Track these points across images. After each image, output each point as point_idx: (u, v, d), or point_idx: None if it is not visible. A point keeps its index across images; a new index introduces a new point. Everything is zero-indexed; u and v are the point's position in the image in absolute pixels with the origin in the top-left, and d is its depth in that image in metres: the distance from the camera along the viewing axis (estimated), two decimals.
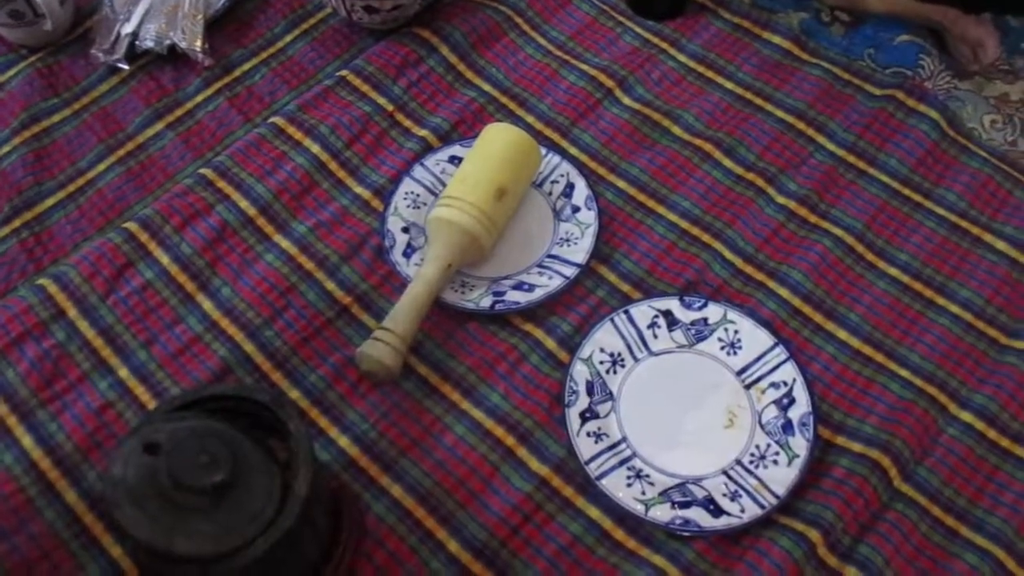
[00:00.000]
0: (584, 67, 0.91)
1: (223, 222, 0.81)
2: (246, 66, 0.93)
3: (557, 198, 0.81)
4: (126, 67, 0.91)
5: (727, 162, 0.85)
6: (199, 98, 0.90)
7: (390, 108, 0.88)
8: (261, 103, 0.90)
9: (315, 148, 0.85)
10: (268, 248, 0.80)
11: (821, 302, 0.76)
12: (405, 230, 0.79)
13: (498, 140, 0.78)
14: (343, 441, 0.70)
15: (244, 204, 0.82)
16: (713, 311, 0.74)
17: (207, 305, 0.76)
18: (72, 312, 0.76)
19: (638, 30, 0.94)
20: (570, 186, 0.82)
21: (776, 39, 0.93)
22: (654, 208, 0.82)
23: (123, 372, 0.73)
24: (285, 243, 0.80)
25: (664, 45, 0.93)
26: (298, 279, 0.78)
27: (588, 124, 0.87)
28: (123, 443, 0.51)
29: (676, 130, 0.87)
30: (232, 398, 0.56)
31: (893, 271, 0.78)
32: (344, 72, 0.90)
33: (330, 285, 0.77)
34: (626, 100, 0.89)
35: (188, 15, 0.91)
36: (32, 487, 0.67)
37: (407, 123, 0.87)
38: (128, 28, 0.90)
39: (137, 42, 0.90)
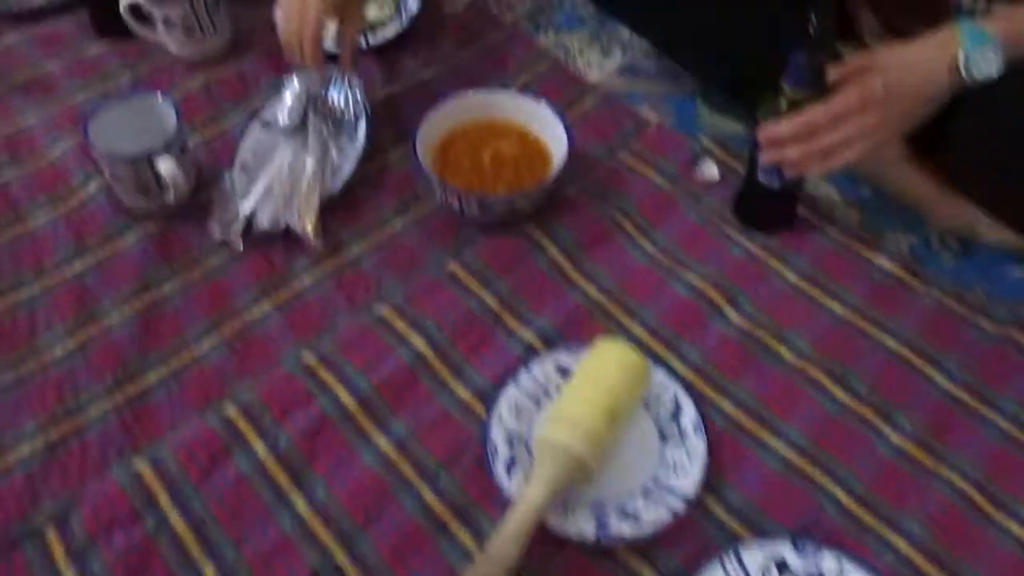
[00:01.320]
0: (691, 277, 0.91)
1: (323, 414, 0.80)
2: (355, 249, 0.94)
3: (664, 419, 0.79)
4: (241, 248, 0.92)
5: (838, 392, 0.82)
6: (308, 280, 0.91)
7: (496, 306, 0.88)
8: (368, 289, 0.91)
9: (419, 343, 0.85)
10: (366, 446, 0.78)
11: (943, 560, 0.72)
12: (508, 442, 0.77)
13: (611, 359, 0.77)
14: None
15: (345, 397, 0.81)
16: (828, 562, 0.70)
17: (300, 504, 0.74)
18: (164, 499, 0.74)
19: (745, 243, 0.94)
20: (678, 407, 0.80)
21: (885, 262, 0.92)
22: (764, 438, 0.79)
23: (209, 572, 0.71)
24: (383, 442, 0.78)
25: (772, 260, 0.93)
26: (396, 484, 0.76)
27: (695, 339, 0.86)
28: None
29: (785, 353, 0.85)
30: None
31: (1016, 529, 0.74)
32: (453, 267, 0.91)
33: (428, 496, 0.75)
34: (734, 316, 0.88)
35: (304, 198, 0.93)
36: None
37: (512, 323, 0.87)
38: (246, 208, 0.92)
39: (253, 222, 0.92)
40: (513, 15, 1.23)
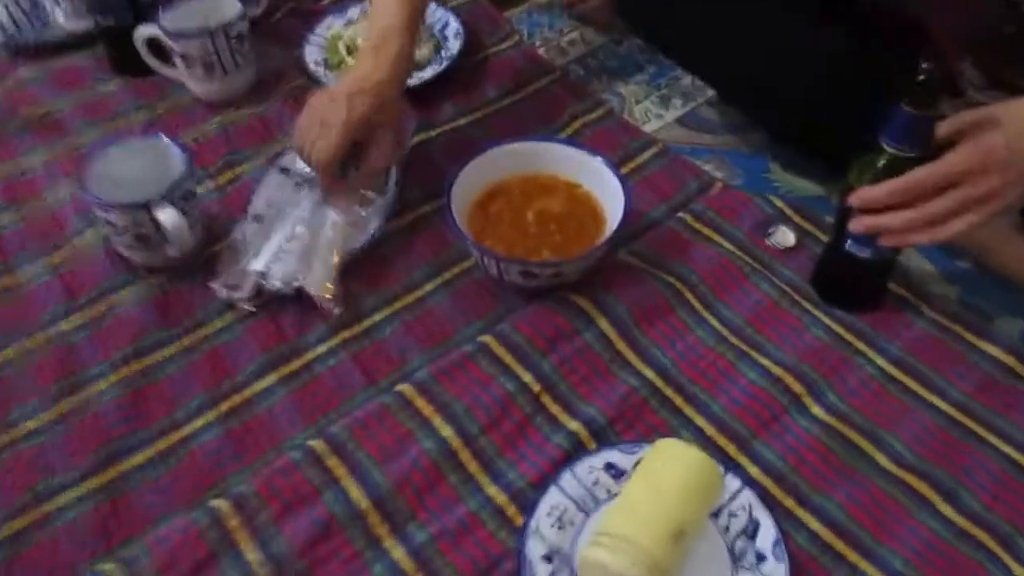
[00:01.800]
0: (765, 362, 0.78)
1: (329, 515, 0.67)
2: (377, 316, 0.82)
3: (736, 536, 0.66)
4: (249, 310, 0.81)
5: (947, 510, 0.68)
6: (321, 349, 0.80)
7: (536, 388, 0.76)
8: (389, 362, 0.79)
9: (446, 430, 0.72)
10: (378, 556, 0.66)
11: None
12: (547, 558, 0.64)
13: (676, 464, 0.64)
14: None
15: (356, 494, 0.69)
16: None
17: None
18: None
19: (827, 321, 0.81)
20: (753, 523, 0.66)
21: (993, 351, 0.78)
22: (857, 563, 0.65)
23: None
24: (399, 552, 0.66)
25: (859, 344, 0.79)
26: None
27: (772, 437, 0.73)
28: None
29: (880, 458, 0.71)
30: None
31: None
32: (487, 338, 0.79)
33: None
34: (817, 410, 0.74)
35: (322, 256, 0.82)
36: None
37: (555, 409, 0.74)
38: (257, 265, 0.82)
39: (264, 281, 0.81)
40: (564, 59, 1.12)
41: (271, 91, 1.06)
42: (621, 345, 0.79)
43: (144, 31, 0.99)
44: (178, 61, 1.01)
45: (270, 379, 0.78)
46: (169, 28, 0.98)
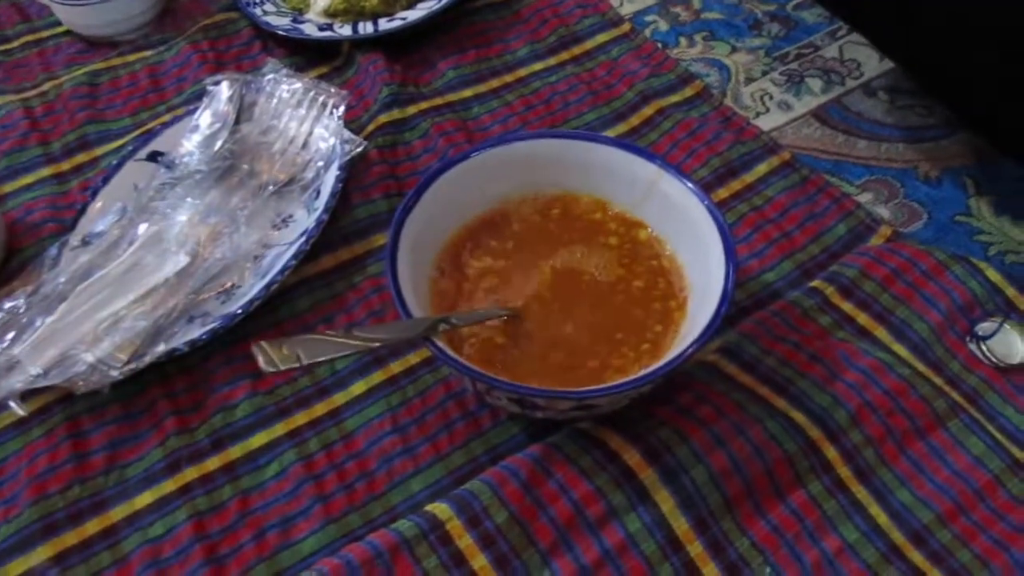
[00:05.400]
0: None
1: None
2: (254, 441, 0.46)
3: None
4: (22, 412, 0.45)
5: None
6: (145, 499, 0.44)
7: None
8: (259, 543, 0.42)
9: None
10: None
11: None
12: None
13: None
14: None
15: None
16: None
17: None
18: None
19: None
20: None
21: None
22: None
23: None
24: None
25: None
26: None
27: None
28: None
29: None
30: None
31: None
32: (437, 508, 0.42)
33: None
34: None
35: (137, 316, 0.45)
36: None
37: None
38: (41, 336, 0.45)
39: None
40: (633, 6, 0.72)
41: (179, 25, 0.69)
42: (696, 550, 0.41)
43: None
44: None
45: (39, 555, 0.42)
46: None
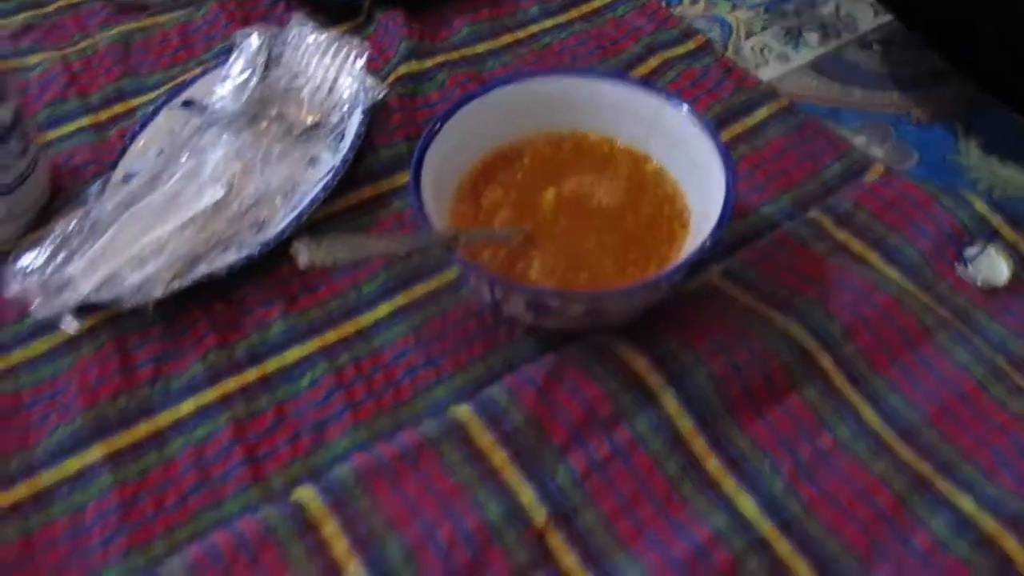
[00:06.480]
0: (964, 503, 0.42)
1: None
2: (288, 355, 0.49)
3: None
4: (72, 331, 0.49)
5: None
6: (186, 407, 0.47)
7: (540, 519, 0.42)
8: (295, 446, 0.46)
9: None
10: None
11: None
12: None
13: None
14: None
15: None
16: None
17: None
18: None
19: None
20: None
21: None
22: None
23: None
24: None
25: None
26: None
27: None
28: None
29: None
30: None
31: None
32: (460, 411, 0.45)
33: None
34: None
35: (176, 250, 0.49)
36: None
37: (569, 562, 0.41)
38: (80, 265, 0.49)
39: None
40: None
41: None
42: (698, 446, 0.44)
43: None
44: None
45: (93, 454, 0.45)
46: None
